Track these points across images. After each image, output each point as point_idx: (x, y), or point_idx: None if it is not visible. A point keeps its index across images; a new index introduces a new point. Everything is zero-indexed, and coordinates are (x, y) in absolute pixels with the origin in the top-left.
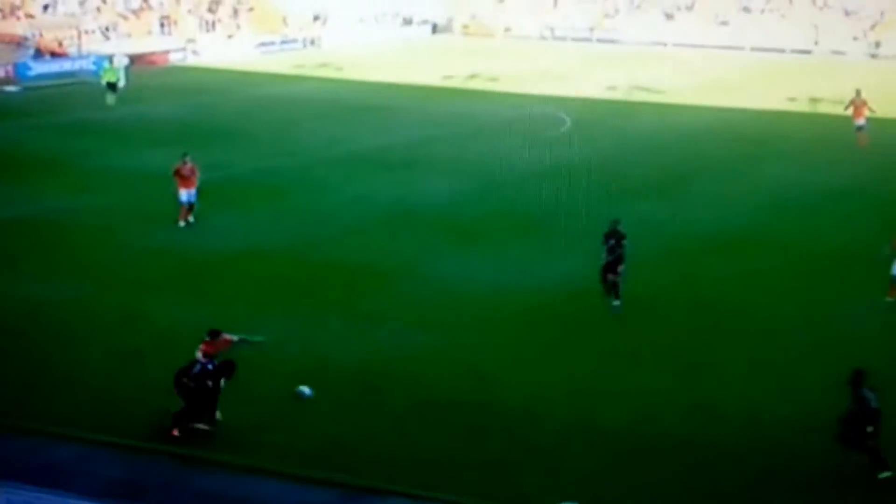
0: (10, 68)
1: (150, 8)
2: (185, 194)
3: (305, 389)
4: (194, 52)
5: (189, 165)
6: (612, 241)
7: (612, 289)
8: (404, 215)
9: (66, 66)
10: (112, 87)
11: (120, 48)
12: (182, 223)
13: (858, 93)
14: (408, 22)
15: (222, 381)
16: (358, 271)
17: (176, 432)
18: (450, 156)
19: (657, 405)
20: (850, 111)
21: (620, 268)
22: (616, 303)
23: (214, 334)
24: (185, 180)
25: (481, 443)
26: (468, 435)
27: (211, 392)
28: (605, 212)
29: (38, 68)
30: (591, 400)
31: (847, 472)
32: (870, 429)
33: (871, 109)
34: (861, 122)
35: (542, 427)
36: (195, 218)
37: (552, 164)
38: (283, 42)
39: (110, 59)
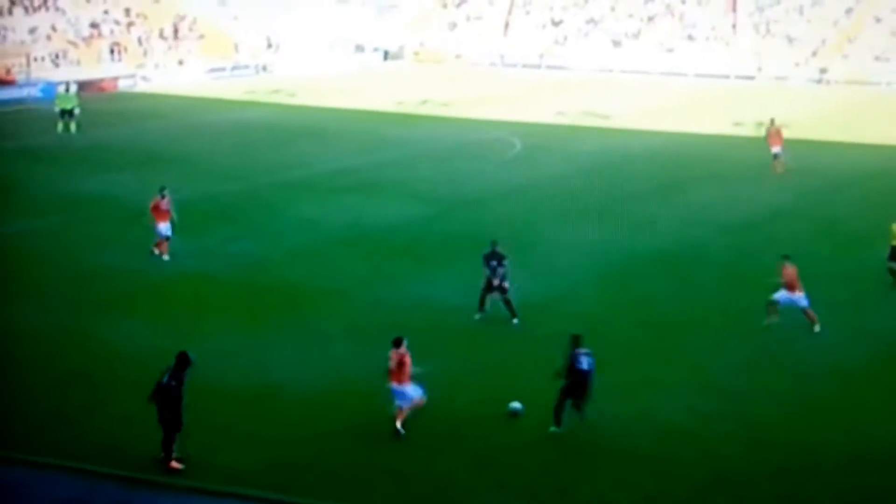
0: None
1: (100, 35)
2: (163, 227)
3: (517, 405)
4: (144, 79)
5: (167, 199)
6: (494, 263)
7: (507, 307)
8: (356, 238)
9: (13, 93)
10: (69, 113)
11: (69, 75)
12: (156, 252)
13: (772, 121)
14: (360, 49)
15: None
16: (308, 293)
17: (175, 464)
18: (401, 179)
19: (603, 416)
20: (767, 138)
21: (506, 284)
22: (515, 321)
23: (398, 342)
24: (162, 214)
25: (432, 458)
26: (420, 452)
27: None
28: (552, 233)
29: None
30: (535, 411)
31: (787, 484)
32: (564, 382)
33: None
34: (777, 149)
35: (488, 439)
36: (169, 255)
37: (501, 187)
38: (235, 68)
39: (66, 85)
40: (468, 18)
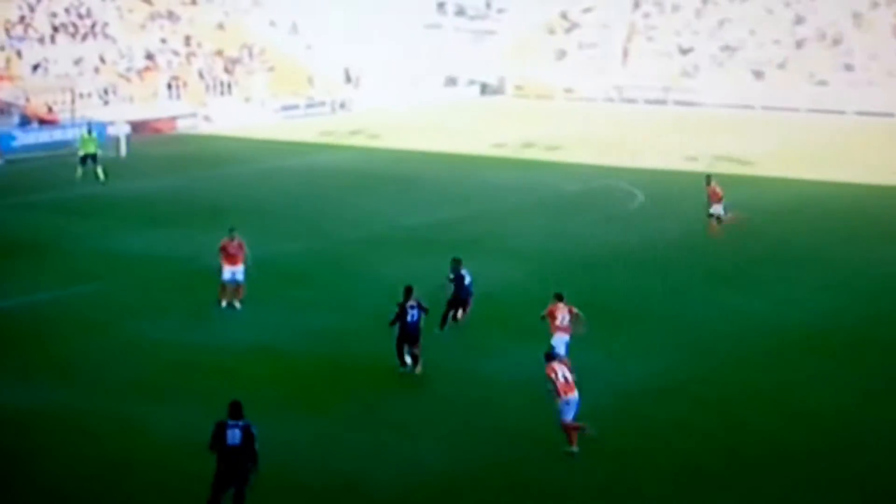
0: None
1: (156, 68)
2: (228, 272)
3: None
4: (206, 119)
5: (237, 241)
6: (456, 280)
7: (454, 321)
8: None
9: (56, 134)
10: (92, 159)
11: (120, 114)
12: (224, 304)
13: (709, 179)
14: (452, 82)
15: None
16: (389, 372)
17: None
18: (501, 235)
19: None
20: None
21: (469, 306)
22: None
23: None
24: (230, 257)
25: None
26: None
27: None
28: (683, 303)
29: (25, 138)
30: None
31: None
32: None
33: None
34: (715, 208)
35: None
36: (242, 304)
37: (620, 247)
38: (309, 105)
39: (89, 126)
40: (580, 45)
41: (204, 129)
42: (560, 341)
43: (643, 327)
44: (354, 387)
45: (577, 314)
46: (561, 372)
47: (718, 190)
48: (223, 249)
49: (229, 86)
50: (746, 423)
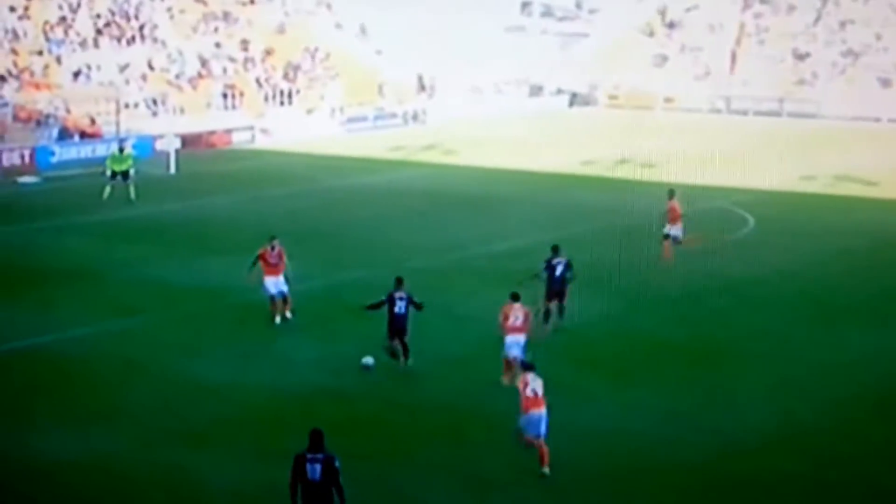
0: (27, 153)
1: (209, 75)
2: (272, 284)
3: (369, 360)
4: (264, 132)
5: (277, 250)
6: (547, 270)
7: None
8: (532, 344)
9: (99, 149)
10: (122, 175)
11: (170, 126)
12: (278, 320)
13: (672, 193)
14: (537, 91)
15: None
16: (468, 418)
17: None
18: (591, 265)
19: None
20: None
21: (565, 297)
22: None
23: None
24: (271, 268)
25: None
26: None
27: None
28: (813, 340)
29: (64, 153)
30: None
31: None
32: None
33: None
34: (674, 229)
35: None
36: (293, 312)
37: (729, 279)
38: (378, 117)
39: (121, 143)
40: (682, 49)
41: (261, 143)
42: (513, 342)
43: (754, 368)
44: (433, 432)
45: (528, 315)
46: (531, 386)
47: (678, 207)
48: (262, 259)
49: (290, 95)
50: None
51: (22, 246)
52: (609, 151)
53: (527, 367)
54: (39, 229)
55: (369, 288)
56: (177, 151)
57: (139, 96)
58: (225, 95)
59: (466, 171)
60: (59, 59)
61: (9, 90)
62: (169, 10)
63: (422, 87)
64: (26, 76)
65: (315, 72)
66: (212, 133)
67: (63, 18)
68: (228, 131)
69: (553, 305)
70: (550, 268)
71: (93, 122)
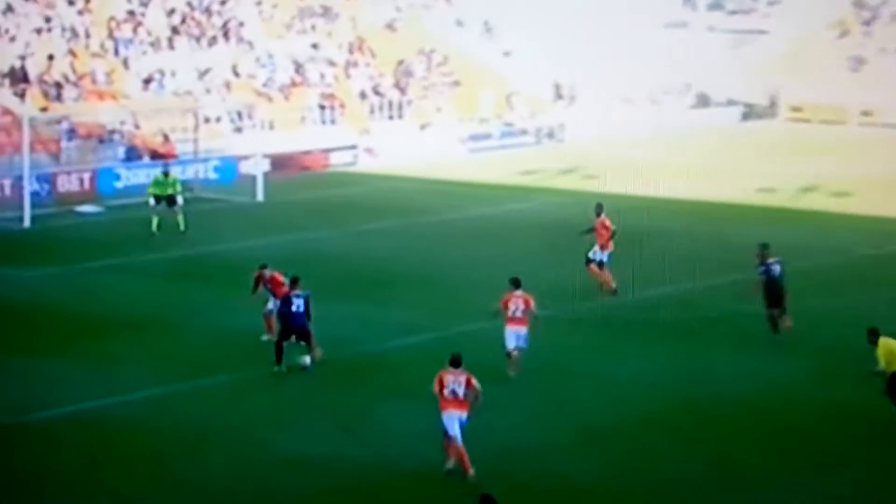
0: (87, 177)
1: (304, 83)
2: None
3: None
4: (369, 152)
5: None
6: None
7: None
8: (703, 414)
9: (174, 172)
10: (168, 201)
11: (257, 145)
12: (265, 338)
13: (599, 209)
14: (703, 101)
15: None
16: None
17: None
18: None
19: None
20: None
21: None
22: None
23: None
24: (277, 286)
25: None
26: None
27: None
28: None
29: (131, 177)
30: None
31: None
32: None
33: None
34: (599, 254)
35: None
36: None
37: None
38: (507, 134)
39: (166, 167)
40: (883, 51)
41: (366, 165)
42: (512, 334)
43: None
44: None
45: (531, 306)
46: (450, 387)
47: (609, 224)
48: (273, 283)
49: (400, 107)
50: None
51: (80, 289)
52: (792, 176)
53: (453, 362)
54: (101, 268)
55: (491, 342)
56: (265, 175)
57: (221, 108)
58: (322, 107)
59: (614, 200)
60: (125, 63)
61: (66, 100)
62: (258, 3)
63: (559, 97)
64: (87, 84)
65: (431, 78)
66: (306, 153)
67: (131, 14)
68: (326, 151)
69: (776, 311)
70: (767, 269)
71: (166, 139)
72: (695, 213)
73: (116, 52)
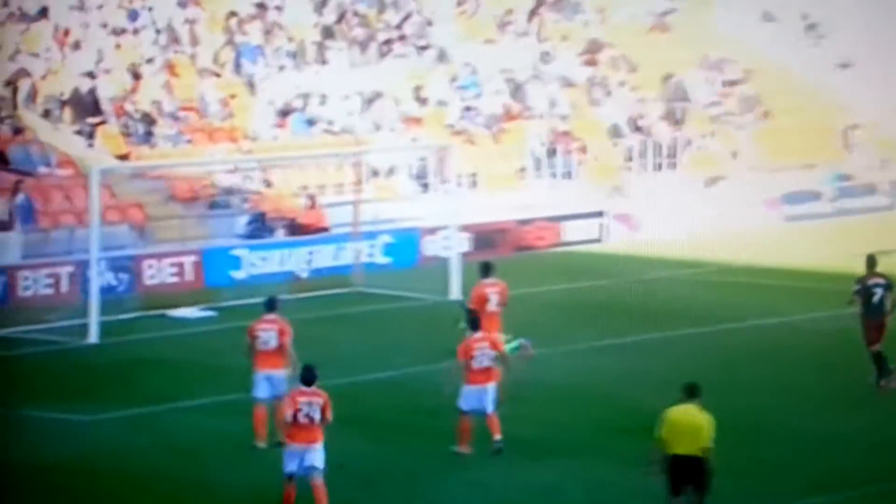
0: (190, 262)
1: (524, 113)
2: (262, 380)
3: None
4: (625, 221)
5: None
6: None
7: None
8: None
9: (323, 255)
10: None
11: (451, 209)
12: (260, 444)
13: (487, 268)
14: None
15: None
16: None
17: None
18: None
19: None
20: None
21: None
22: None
23: None
24: (266, 356)
25: None
26: None
27: None
28: None
29: (257, 262)
30: None
31: None
32: None
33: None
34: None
35: None
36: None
37: None
38: (846, 192)
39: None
40: None
41: (619, 241)
42: (473, 393)
43: None
44: None
45: (501, 349)
46: (304, 411)
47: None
48: (251, 338)
49: (672, 151)
50: None
51: (174, 444)
52: None
53: (305, 378)
54: (206, 410)
55: None
56: (462, 258)
57: (396, 156)
58: (552, 153)
59: None
60: (251, 85)
61: (158, 143)
62: None
63: None
64: (191, 117)
65: (723, 104)
66: (525, 224)
67: (261, 7)
68: (556, 220)
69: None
70: (865, 291)
71: (312, 203)
72: None
73: (238, 67)
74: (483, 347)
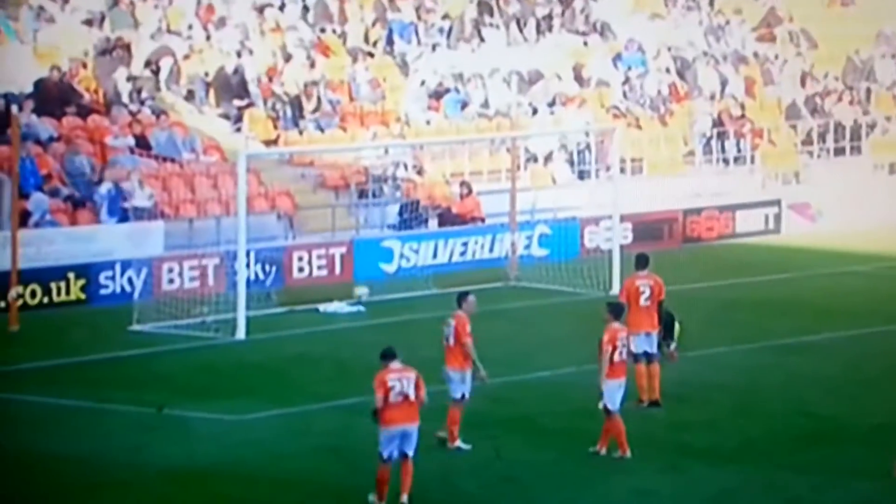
0: (339, 255)
1: (695, 93)
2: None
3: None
4: (803, 211)
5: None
6: None
7: None
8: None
9: (478, 247)
10: None
11: (613, 198)
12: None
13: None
14: None
15: None
16: None
17: None
18: None
19: None
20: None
21: None
22: None
23: None
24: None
25: None
26: None
27: None
28: None
29: (410, 255)
30: None
31: None
32: None
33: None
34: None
35: None
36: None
37: None
38: None
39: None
40: None
41: (798, 233)
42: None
43: None
44: None
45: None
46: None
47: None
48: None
49: (856, 135)
50: None
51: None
52: None
53: (387, 355)
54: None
55: None
56: (622, 250)
57: (554, 140)
58: (721, 135)
59: None
60: (403, 63)
61: (308, 128)
62: None
63: None
64: (343, 100)
65: None
66: (693, 213)
67: None
68: (727, 209)
69: None
70: None
71: (469, 191)
72: None
73: (390, 44)
74: (624, 339)
